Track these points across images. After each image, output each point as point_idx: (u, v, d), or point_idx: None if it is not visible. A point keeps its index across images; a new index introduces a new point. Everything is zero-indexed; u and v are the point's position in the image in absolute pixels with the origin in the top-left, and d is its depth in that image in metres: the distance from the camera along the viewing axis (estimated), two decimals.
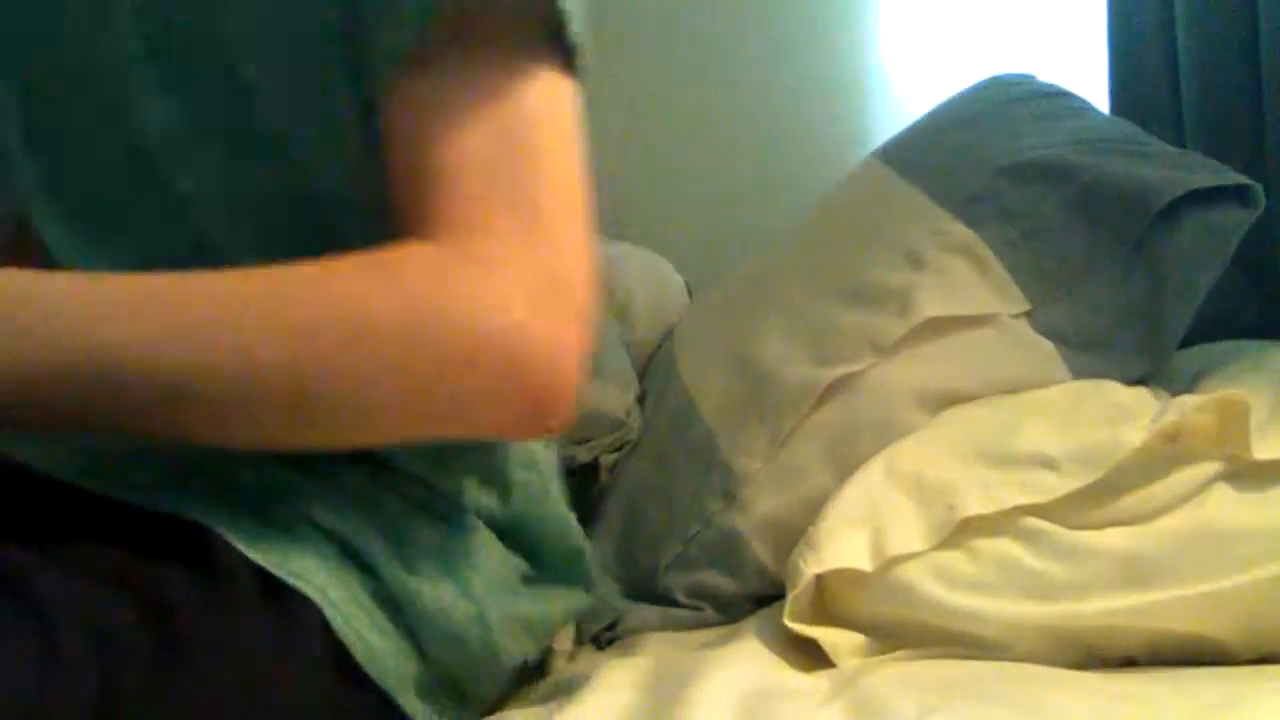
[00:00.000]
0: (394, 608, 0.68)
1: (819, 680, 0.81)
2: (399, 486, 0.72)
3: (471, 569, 0.73)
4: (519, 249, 0.59)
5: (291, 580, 0.64)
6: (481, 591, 0.72)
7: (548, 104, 0.62)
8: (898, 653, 0.83)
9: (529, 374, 0.57)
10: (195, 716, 0.59)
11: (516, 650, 0.75)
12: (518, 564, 0.78)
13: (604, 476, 1.23)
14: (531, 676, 0.88)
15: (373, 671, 0.67)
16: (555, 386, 0.58)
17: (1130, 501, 0.80)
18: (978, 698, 0.73)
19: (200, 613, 0.60)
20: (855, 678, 0.79)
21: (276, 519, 0.66)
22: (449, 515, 0.74)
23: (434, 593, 0.70)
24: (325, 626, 0.65)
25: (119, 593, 0.58)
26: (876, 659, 0.83)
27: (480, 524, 0.75)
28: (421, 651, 0.70)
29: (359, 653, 0.66)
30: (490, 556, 0.75)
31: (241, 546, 0.63)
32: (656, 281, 1.42)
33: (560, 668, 0.94)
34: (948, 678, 0.78)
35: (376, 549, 0.68)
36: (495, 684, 0.77)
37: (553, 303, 0.58)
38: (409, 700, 0.69)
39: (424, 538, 0.71)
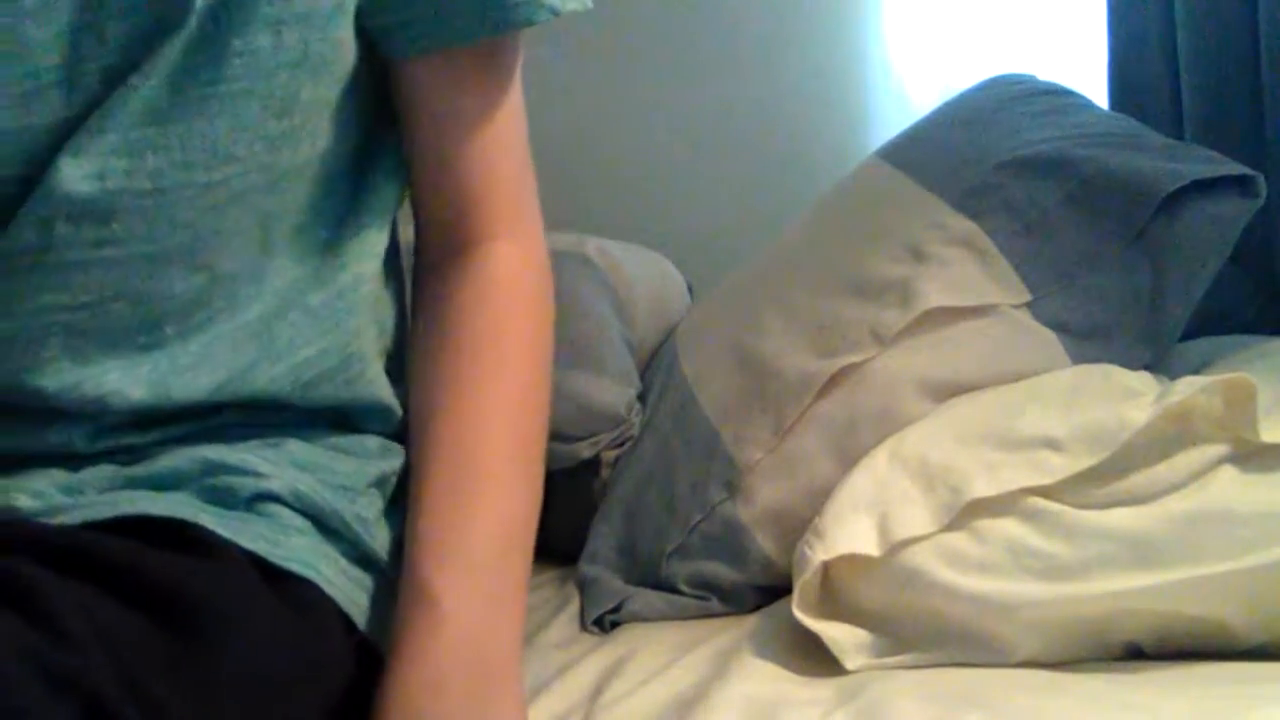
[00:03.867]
0: (369, 563, 0.70)
1: (823, 689, 0.81)
2: (331, 442, 0.72)
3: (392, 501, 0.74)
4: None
5: (288, 565, 0.64)
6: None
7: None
8: (903, 656, 0.83)
9: None
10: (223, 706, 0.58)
11: None
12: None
13: (605, 472, 1.23)
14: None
15: (370, 633, 0.67)
16: None
17: (1136, 481, 0.80)
18: (983, 708, 0.74)
19: (212, 602, 0.59)
20: (860, 687, 0.79)
21: (250, 507, 0.65)
22: (368, 451, 0.74)
23: (385, 534, 0.71)
24: (325, 599, 0.65)
25: (124, 593, 0.57)
26: (882, 663, 0.83)
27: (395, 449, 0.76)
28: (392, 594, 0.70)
29: (358, 617, 0.67)
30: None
31: (228, 535, 0.62)
32: (658, 280, 1.42)
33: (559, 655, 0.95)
34: (953, 687, 0.78)
35: (339, 510, 0.68)
36: None
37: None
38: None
39: (365, 481, 0.72)
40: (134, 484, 0.64)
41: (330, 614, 0.66)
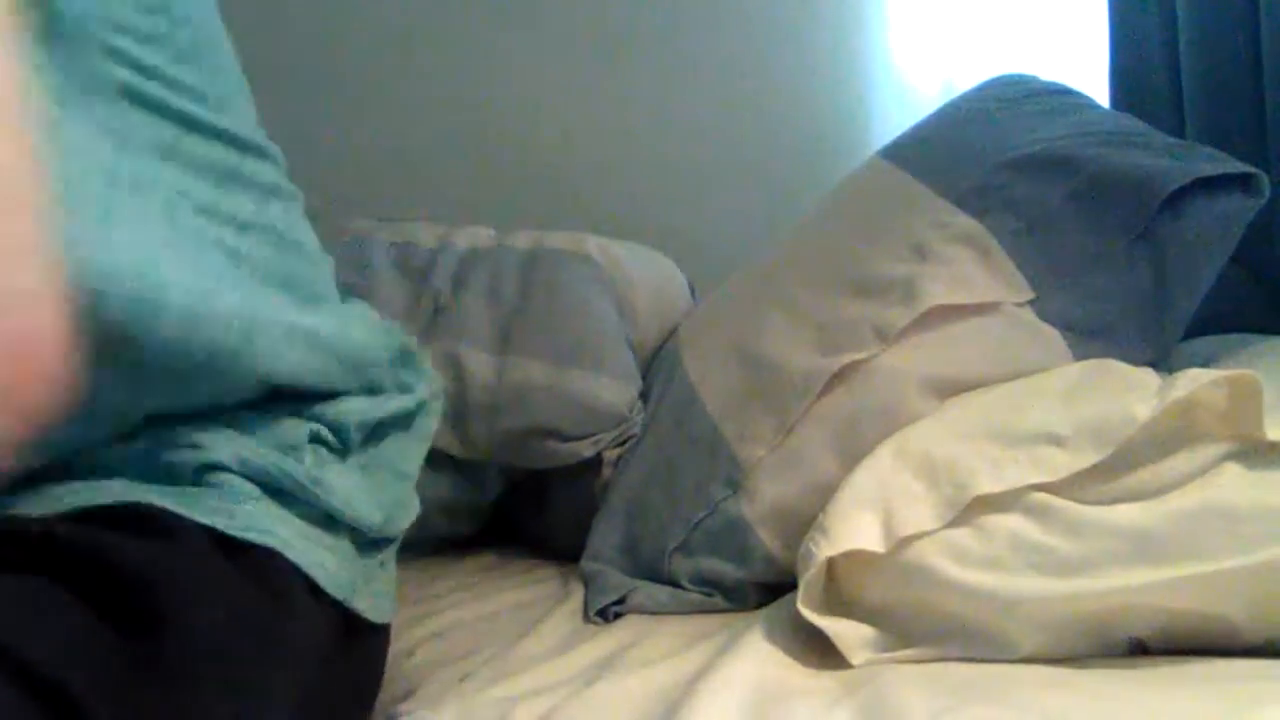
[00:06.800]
0: (330, 523, 0.70)
1: (828, 680, 0.81)
2: (290, 409, 0.72)
3: (352, 468, 0.73)
4: None
5: (245, 535, 0.63)
6: (359, 478, 0.73)
7: None
8: (908, 651, 0.83)
9: None
10: (191, 691, 0.58)
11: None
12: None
13: (606, 471, 1.23)
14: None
15: (337, 593, 0.68)
16: None
17: (1140, 477, 0.79)
18: (987, 700, 0.74)
19: (173, 585, 0.59)
20: (865, 679, 0.79)
21: (199, 480, 0.65)
22: (329, 418, 0.74)
23: (346, 497, 0.71)
24: (285, 564, 0.65)
25: (83, 587, 0.57)
26: (887, 657, 0.83)
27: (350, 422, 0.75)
28: (356, 549, 0.71)
29: (323, 579, 0.67)
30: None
31: (183, 511, 0.62)
32: (659, 279, 1.42)
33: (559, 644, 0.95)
34: (957, 680, 0.78)
35: (289, 471, 0.68)
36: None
37: None
38: (361, 602, 0.71)
39: (307, 437, 0.71)
40: (71, 475, 0.64)
41: (293, 579, 0.65)
